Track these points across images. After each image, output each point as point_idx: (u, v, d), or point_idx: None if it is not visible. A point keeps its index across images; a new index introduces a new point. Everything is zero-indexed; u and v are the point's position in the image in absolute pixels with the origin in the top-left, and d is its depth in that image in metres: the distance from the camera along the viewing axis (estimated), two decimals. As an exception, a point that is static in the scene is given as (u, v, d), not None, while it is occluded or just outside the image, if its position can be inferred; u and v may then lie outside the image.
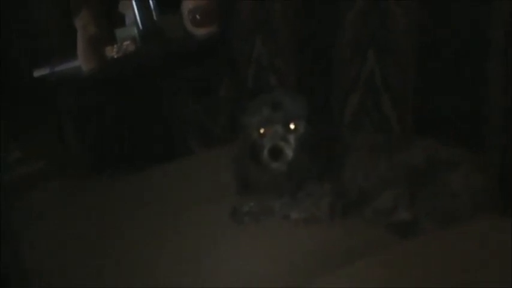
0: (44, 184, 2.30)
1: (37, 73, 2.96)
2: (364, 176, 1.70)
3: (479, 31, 1.65)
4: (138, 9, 2.91)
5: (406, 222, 1.62)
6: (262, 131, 1.76)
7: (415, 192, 1.63)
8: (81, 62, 2.80)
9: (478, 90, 1.67)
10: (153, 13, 2.93)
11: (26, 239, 2.04)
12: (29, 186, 2.32)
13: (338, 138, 1.78)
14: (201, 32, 2.71)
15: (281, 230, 1.70)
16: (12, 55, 3.09)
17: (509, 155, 1.61)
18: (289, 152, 1.73)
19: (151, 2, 2.93)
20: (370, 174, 1.69)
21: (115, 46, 2.84)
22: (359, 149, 1.75)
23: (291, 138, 1.74)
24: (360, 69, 1.99)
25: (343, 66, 2.04)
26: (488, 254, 1.40)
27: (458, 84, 1.74)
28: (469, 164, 1.64)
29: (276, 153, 1.73)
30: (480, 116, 1.67)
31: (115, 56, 2.80)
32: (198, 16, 2.68)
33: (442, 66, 1.78)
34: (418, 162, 1.66)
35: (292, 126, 1.75)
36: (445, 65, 1.77)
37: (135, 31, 2.90)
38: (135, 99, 2.46)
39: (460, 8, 1.71)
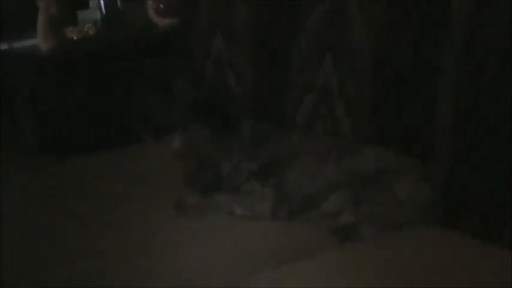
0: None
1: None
2: (310, 180, 1.70)
3: (433, 47, 1.67)
4: (103, -7, 2.88)
5: (347, 226, 1.63)
6: None
7: (360, 197, 1.63)
8: (39, 41, 2.76)
9: (428, 102, 1.69)
10: (118, -1, 2.91)
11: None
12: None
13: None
14: (163, 22, 2.70)
15: (224, 225, 1.70)
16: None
17: (455, 167, 1.63)
18: None
19: (116, -12, 2.91)
20: (317, 178, 1.70)
21: (76, 28, 2.81)
22: (306, 153, 1.75)
23: None
24: (316, 72, 1.99)
25: (300, 68, 2.05)
26: (425, 263, 1.42)
27: (410, 95, 1.75)
28: (416, 174, 1.66)
29: None
30: (430, 127, 1.69)
31: (75, 38, 2.78)
32: (161, 6, 2.68)
33: (395, 78, 1.79)
34: (367, 168, 1.67)
35: None
36: (399, 76, 1.78)
37: (97, 15, 2.87)
38: (91, 82, 2.44)
39: (416, 23, 1.74)
